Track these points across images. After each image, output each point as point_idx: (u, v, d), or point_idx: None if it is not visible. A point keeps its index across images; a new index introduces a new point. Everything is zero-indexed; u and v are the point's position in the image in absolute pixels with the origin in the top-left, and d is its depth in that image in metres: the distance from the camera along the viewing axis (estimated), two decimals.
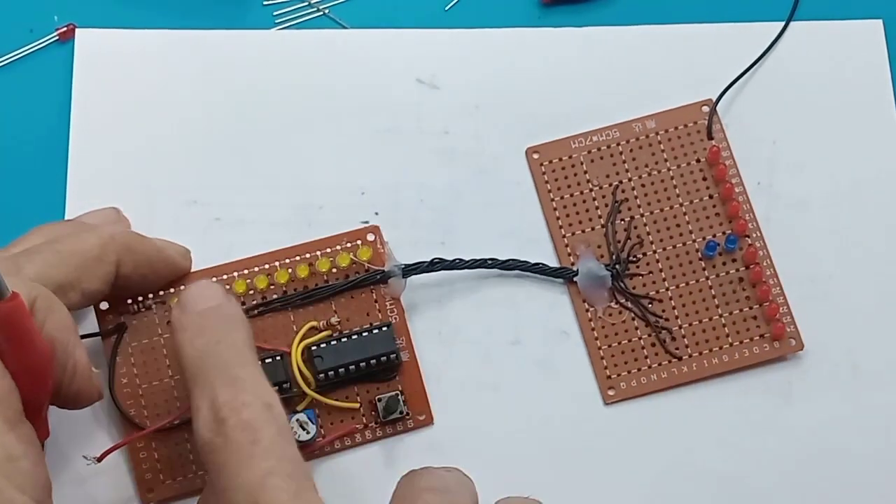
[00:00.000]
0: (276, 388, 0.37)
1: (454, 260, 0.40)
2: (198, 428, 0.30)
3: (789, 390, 0.40)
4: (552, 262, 0.41)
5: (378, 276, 0.39)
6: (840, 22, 0.45)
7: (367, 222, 0.41)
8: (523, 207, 0.42)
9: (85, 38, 0.43)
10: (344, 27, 0.44)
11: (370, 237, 0.40)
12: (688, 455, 0.39)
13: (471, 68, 0.43)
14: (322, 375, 0.38)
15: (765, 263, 0.41)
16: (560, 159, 0.42)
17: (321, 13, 0.44)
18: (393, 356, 0.38)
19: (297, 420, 0.37)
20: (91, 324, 0.39)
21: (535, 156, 0.42)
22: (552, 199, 0.42)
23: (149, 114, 0.42)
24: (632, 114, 0.42)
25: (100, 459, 0.36)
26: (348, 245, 0.40)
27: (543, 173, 0.42)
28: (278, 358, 0.38)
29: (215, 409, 0.30)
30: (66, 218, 0.40)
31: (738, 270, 0.41)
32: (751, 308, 0.40)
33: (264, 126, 0.42)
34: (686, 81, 0.43)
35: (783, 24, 0.44)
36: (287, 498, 0.28)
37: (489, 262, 0.40)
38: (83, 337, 0.36)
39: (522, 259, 0.40)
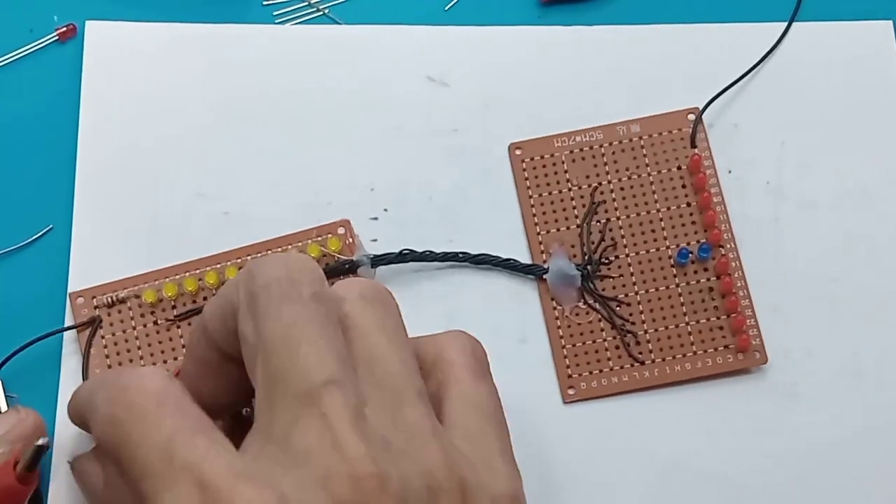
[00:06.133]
0: None
1: (424, 252, 0.40)
2: (96, 412, 0.29)
3: (783, 393, 0.41)
4: (528, 259, 0.41)
5: (347, 266, 0.40)
6: (848, 23, 0.44)
7: (375, 219, 0.42)
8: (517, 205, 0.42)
9: (94, 29, 0.43)
10: None
11: (341, 230, 0.41)
12: (646, 458, 0.40)
13: (481, 66, 0.44)
14: None
15: (736, 275, 0.41)
16: (542, 157, 0.42)
17: (321, 13, 0.44)
18: None
19: None
20: (64, 315, 0.40)
21: (518, 152, 0.42)
22: (530, 196, 0.42)
23: (158, 106, 0.43)
24: (631, 114, 0.43)
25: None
26: (318, 238, 0.41)
27: (524, 169, 0.42)
28: None
29: (111, 387, 0.29)
30: (75, 211, 0.41)
31: (708, 280, 0.41)
32: (718, 318, 0.41)
33: (274, 121, 0.43)
34: (691, 80, 0.43)
35: (786, 24, 0.44)
36: (200, 449, 0.27)
37: (460, 255, 0.41)
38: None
39: (494, 254, 0.41)
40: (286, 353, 0.27)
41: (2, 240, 0.41)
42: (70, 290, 0.40)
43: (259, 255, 0.40)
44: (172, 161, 0.42)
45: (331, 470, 0.25)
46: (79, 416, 0.32)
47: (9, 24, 0.43)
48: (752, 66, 0.43)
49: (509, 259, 0.41)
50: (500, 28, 0.44)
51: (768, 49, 0.44)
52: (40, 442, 0.32)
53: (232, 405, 0.33)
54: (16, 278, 0.41)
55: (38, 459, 0.32)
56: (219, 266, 0.40)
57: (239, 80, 0.43)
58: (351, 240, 0.41)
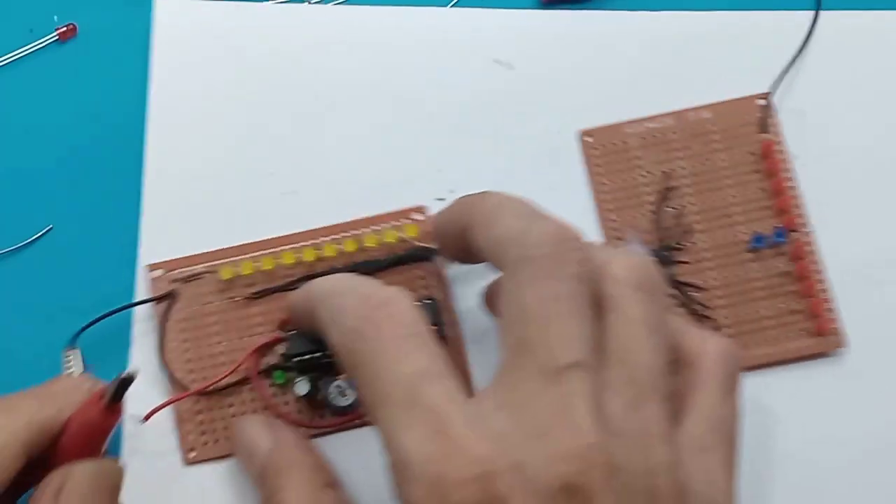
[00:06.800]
0: (314, 353, 0.38)
1: None
2: (342, 318, 0.30)
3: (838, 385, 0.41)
4: None
5: (424, 253, 0.40)
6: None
7: (442, 199, 0.41)
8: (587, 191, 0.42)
9: (164, 6, 0.43)
10: None
11: (417, 216, 0.41)
12: None
13: (549, 50, 0.44)
14: None
15: (811, 259, 0.41)
16: (613, 144, 0.42)
17: None
18: (436, 329, 0.38)
19: (338, 386, 0.38)
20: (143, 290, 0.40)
21: (588, 139, 0.42)
22: (602, 183, 0.42)
23: (227, 86, 0.42)
24: (689, 98, 0.43)
25: (146, 419, 0.38)
26: (395, 223, 0.40)
27: (595, 157, 0.42)
28: None
29: (364, 299, 0.30)
30: (145, 190, 0.41)
31: (784, 264, 0.41)
32: (795, 302, 0.41)
33: (342, 101, 0.42)
34: (735, 70, 0.43)
35: (814, 12, 0.44)
36: (445, 396, 0.27)
37: None
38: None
39: None
40: (541, 327, 0.28)
41: (1, 240, 0.41)
42: (141, 265, 0.40)
43: (334, 236, 0.40)
44: (242, 140, 0.42)
45: (564, 450, 0.26)
46: (307, 309, 0.33)
47: (9, 24, 0.43)
48: (814, 49, 0.44)
49: None
50: (567, 12, 0.44)
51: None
52: (125, 374, 0.32)
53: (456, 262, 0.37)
54: (15, 278, 0.40)
55: (123, 391, 0.33)
56: (296, 246, 0.40)
57: (307, 62, 0.43)
58: (428, 226, 0.40)
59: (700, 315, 0.40)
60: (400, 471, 0.27)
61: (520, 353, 0.28)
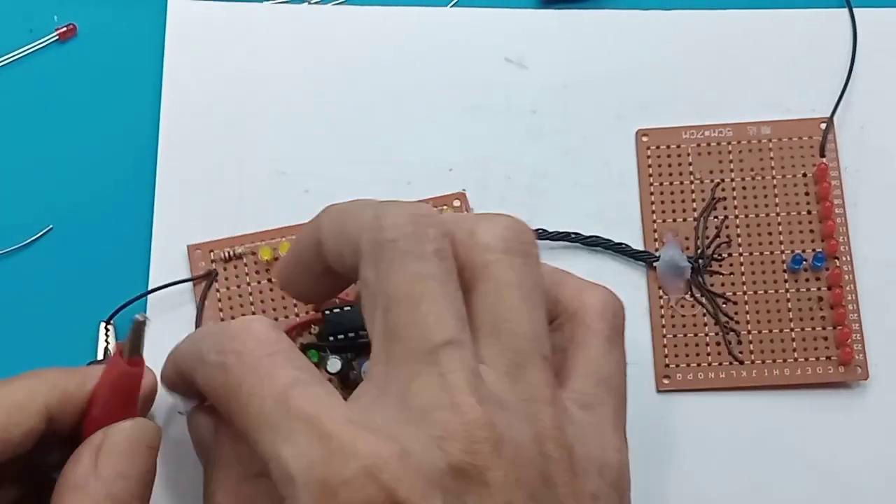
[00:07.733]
0: (352, 334, 0.39)
1: (537, 230, 0.41)
2: (204, 361, 0.29)
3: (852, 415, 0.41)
4: (637, 246, 0.42)
5: None
6: None
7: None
8: (611, 188, 0.43)
9: (176, 7, 0.44)
10: None
11: (456, 203, 0.42)
12: (727, 455, 0.40)
13: (559, 49, 0.44)
14: None
15: (848, 288, 0.41)
16: (668, 146, 0.43)
17: None
18: None
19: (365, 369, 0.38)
20: (183, 269, 0.41)
21: (645, 138, 0.43)
22: (651, 184, 0.42)
23: (239, 84, 0.43)
24: (706, 101, 0.43)
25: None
26: (435, 209, 0.41)
27: (648, 157, 0.43)
28: (346, 308, 0.39)
29: (217, 336, 0.29)
30: (158, 186, 0.42)
31: (819, 289, 0.41)
32: (823, 328, 0.41)
33: (355, 100, 0.43)
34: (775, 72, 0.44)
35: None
36: (317, 401, 0.27)
37: (573, 235, 0.41)
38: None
39: (606, 237, 0.42)
40: (407, 310, 0.27)
41: (1, 239, 0.42)
42: (154, 257, 0.41)
43: None
44: (255, 139, 0.43)
45: (447, 430, 0.25)
46: (178, 373, 0.33)
47: (9, 24, 0.44)
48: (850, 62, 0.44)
49: (621, 243, 0.41)
50: (585, 11, 0.45)
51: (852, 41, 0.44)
52: (135, 319, 0.32)
53: (315, 303, 0.36)
54: (17, 281, 0.41)
55: (139, 337, 0.32)
56: None
57: (321, 60, 0.44)
58: (467, 212, 0.41)
59: (726, 327, 0.41)
60: (284, 485, 0.26)
61: (390, 340, 0.27)
